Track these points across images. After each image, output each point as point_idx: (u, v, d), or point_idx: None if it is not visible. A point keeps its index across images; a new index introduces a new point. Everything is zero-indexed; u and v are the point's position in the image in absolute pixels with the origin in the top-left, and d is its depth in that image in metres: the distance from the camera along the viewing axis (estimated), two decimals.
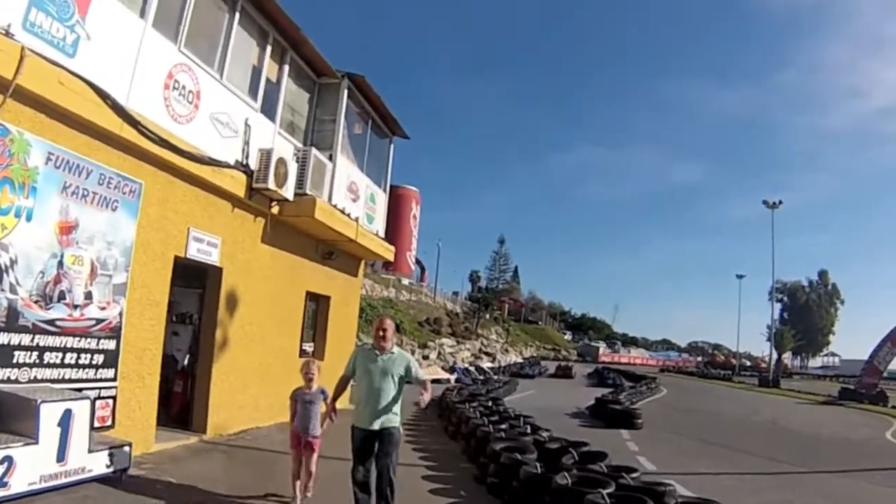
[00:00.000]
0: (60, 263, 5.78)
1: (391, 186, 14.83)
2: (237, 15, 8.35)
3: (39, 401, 5.01)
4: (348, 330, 13.73)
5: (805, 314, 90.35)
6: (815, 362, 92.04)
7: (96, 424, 5.91)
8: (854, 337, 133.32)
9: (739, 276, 69.57)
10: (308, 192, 9.61)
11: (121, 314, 6.55)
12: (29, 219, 5.41)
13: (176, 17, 7.23)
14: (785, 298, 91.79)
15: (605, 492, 5.02)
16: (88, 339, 6.13)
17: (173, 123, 7.23)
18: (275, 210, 9.45)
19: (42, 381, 5.60)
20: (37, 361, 5.56)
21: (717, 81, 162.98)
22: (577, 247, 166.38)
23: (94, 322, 6.18)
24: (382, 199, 13.81)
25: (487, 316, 57.96)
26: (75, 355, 5.98)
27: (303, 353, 11.25)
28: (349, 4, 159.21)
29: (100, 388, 6.24)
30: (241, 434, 8.91)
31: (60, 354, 5.82)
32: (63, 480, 5.16)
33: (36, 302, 5.54)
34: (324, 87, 11.10)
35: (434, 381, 21.15)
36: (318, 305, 12.30)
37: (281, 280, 10.18)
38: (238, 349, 8.97)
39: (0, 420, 4.97)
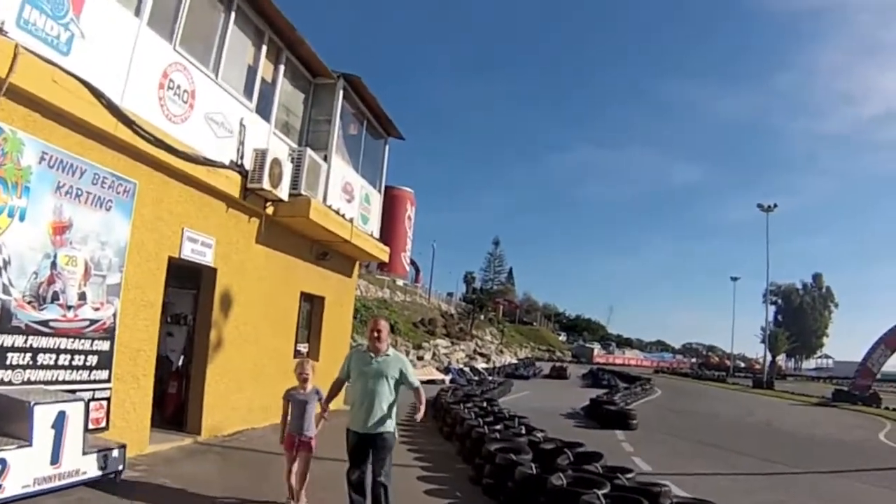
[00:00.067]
0: (54, 264, 5.74)
1: (386, 187, 14.83)
2: (233, 14, 8.31)
3: (33, 403, 4.97)
4: (343, 331, 13.71)
5: (799, 316, 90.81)
6: (809, 364, 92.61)
7: (90, 426, 5.87)
8: (847, 339, 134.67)
9: (734, 279, 69.80)
10: (303, 192, 9.59)
11: (115, 315, 6.51)
12: (22, 219, 5.37)
13: (171, 15, 7.19)
14: (779, 301, 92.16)
15: (600, 492, 5.01)
16: (82, 341, 6.08)
17: (168, 123, 7.19)
18: (269, 210, 9.42)
19: (36, 382, 5.56)
20: (30, 363, 5.52)
21: (716, 84, 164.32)
22: (572, 248, 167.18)
23: (87, 323, 6.13)
24: (377, 199, 13.80)
25: (482, 317, 57.95)
26: (69, 356, 5.93)
27: (297, 353, 11.22)
28: (349, 5, 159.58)
29: (94, 390, 6.20)
30: (235, 435, 8.87)
31: (54, 356, 5.77)
32: (57, 483, 5.12)
33: (29, 303, 5.50)
34: (319, 88, 11.07)
35: (429, 382, 21.29)
36: (312, 306, 12.27)
37: (275, 281, 10.15)
38: (232, 350, 8.94)
39: None
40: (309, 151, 9.91)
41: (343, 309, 13.59)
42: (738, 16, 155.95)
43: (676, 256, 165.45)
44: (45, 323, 5.65)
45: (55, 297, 5.77)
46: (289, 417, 5.64)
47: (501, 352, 51.73)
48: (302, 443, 5.52)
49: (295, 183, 9.47)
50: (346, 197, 11.82)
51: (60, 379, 5.82)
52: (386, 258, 14.72)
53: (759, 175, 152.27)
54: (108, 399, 6.44)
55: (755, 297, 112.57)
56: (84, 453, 5.39)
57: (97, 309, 6.26)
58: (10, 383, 5.31)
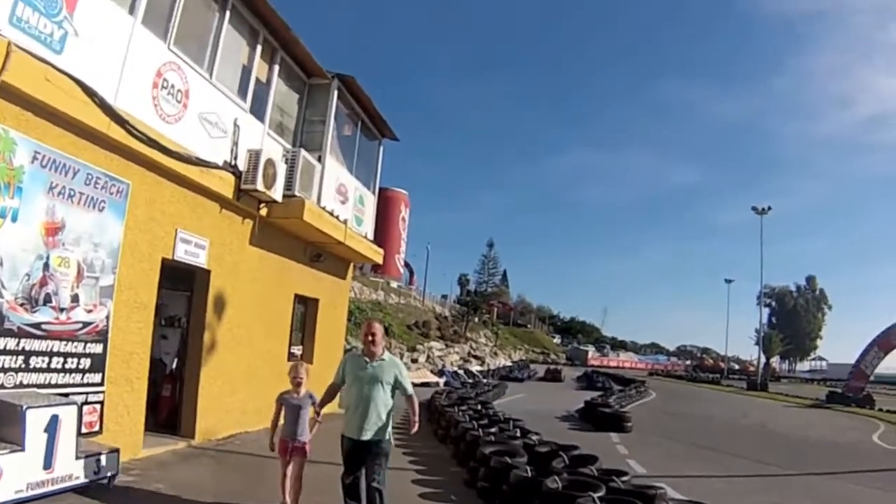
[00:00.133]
0: (46, 265, 5.67)
1: (380, 189, 14.80)
2: (228, 13, 8.27)
3: (25, 406, 4.90)
4: (337, 333, 13.67)
5: (793, 319, 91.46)
6: (803, 366, 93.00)
7: (83, 430, 5.80)
8: (841, 341, 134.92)
9: (728, 281, 70.14)
10: (297, 193, 9.55)
11: (108, 317, 6.45)
12: (14, 219, 5.30)
13: (166, 14, 7.14)
14: (773, 303, 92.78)
15: (595, 495, 4.99)
16: (75, 343, 6.02)
17: (162, 123, 7.14)
18: (263, 212, 9.37)
19: (28, 386, 5.48)
20: (22, 366, 5.45)
21: (713, 85, 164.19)
22: (566, 250, 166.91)
23: (80, 325, 6.07)
24: (371, 201, 13.77)
25: (476, 319, 57.93)
26: (62, 359, 5.86)
27: (291, 356, 11.17)
28: (349, 5, 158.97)
29: (87, 393, 6.13)
30: (229, 439, 8.81)
31: (47, 359, 5.70)
32: (50, 488, 5.06)
33: (21, 305, 5.43)
34: (314, 88, 11.04)
35: (423, 385, 21.26)
36: (306, 308, 12.22)
37: (269, 282, 10.10)
38: (226, 352, 8.88)
39: None
40: (303, 152, 9.88)
41: (337, 311, 13.54)
42: (735, 16, 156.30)
43: (671, 259, 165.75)
44: (37, 325, 5.58)
45: (48, 300, 5.70)
46: (281, 422, 5.55)
47: (496, 354, 51.73)
48: (296, 448, 5.43)
49: (289, 184, 9.44)
50: (340, 198, 11.78)
51: (53, 382, 5.75)
52: (380, 260, 14.69)
53: (753, 178, 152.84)
54: (102, 402, 6.36)
55: (749, 300, 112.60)
56: (77, 458, 5.32)
57: (90, 311, 6.19)
58: (2, 387, 5.24)
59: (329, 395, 5.38)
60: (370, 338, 5.02)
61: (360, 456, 4.91)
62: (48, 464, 5.03)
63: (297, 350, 11.78)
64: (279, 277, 10.48)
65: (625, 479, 6.02)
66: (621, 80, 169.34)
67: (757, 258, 48.99)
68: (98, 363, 6.30)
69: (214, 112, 8.23)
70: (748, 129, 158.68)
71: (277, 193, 9.08)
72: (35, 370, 5.58)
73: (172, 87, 7.32)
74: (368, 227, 13.57)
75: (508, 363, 47.59)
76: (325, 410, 5.51)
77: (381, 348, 5.11)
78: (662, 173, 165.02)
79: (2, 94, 5.11)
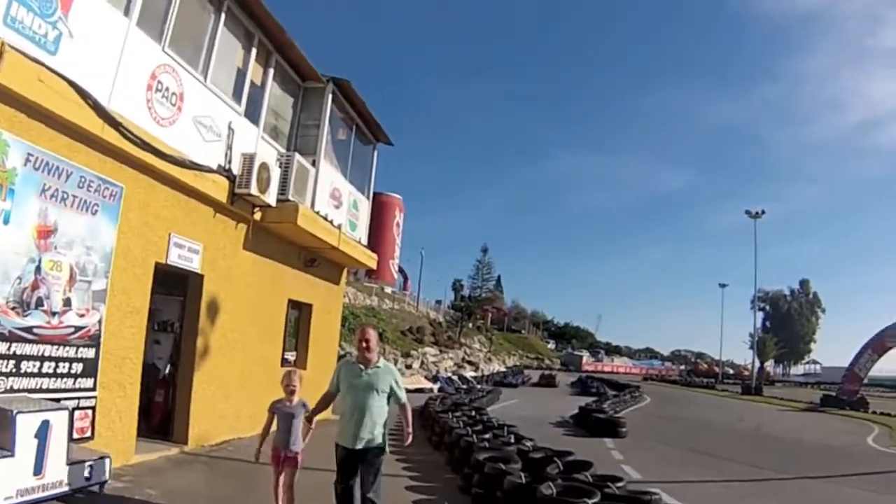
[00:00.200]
0: (38, 269, 5.62)
1: (374, 193, 14.79)
2: (223, 16, 8.24)
3: (16, 412, 4.84)
4: (330, 338, 13.61)
5: (787, 323, 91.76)
6: (797, 370, 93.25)
7: (75, 436, 5.75)
8: (835, 345, 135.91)
9: (722, 286, 70.25)
10: (291, 198, 9.52)
11: (100, 322, 6.38)
12: (6, 222, 5.25)
13: (161, 16, 7.10)
14: (767, 307, 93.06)
15: (590, 501, 4.99)
16: (67, 348, 5.95)
17: (156, 126, 7.10)
18: (257, 216, 9.34)
19: (19, 390, 5.41)
20: (13, 370, 5.38)
21: (708, 89, 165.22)
22: (560, 254, 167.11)
23: (72, 330, 6.01)
24: (365, 206, 13.74)
25: (470, 325, 57.90)
26: (53, 364, 5.80)
27: (284, 361, 11.12)
28: (347, 6, 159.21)
29: (78, 399, 6.06)
30: (222, 445, 8.74)
31: (38, 363, 5.64)
32: (40, 494, 4.99)
33: (13, 309, 5.37)
34: (308, 92, 11.02)
35: (417, 391, 21.19)
36: (300, 313, 12.18)
37: (263, 287, 10.05)
38: (219, 357, 8.82)
39: None
40: (297, 156, 9.85)
41: (331, 316, 13.49)
42: (728, 17, 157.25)
43: (665, 264, 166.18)
44: (28, 329, 5.52)
45: (39, 303, 5.64)
46: (273, 429, 5.44)
47: (490, 360, 51.67)
48: (288, 458, 5.31)
49: (283, 188, 9.40)
50: (334, 203, 11.75)
51: (44, 387, 5.69)
52: (374, 265, 14.67)
53: (746, 182, 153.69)
54: (94, 408, 6.30)
55: (743, 304, 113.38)
56: (68, 464, 5.26)
57: (82, 315, 6.13)
58: None
59: (323, 404, 5.29)
60: (364, 344, 4.94)
61: (355, 465, 4.84)
62: (38, 470, 4.97)
63: (291, 356, 11.72)
64: (273, 282, 10.43)
65: (620, 484, 5.98)
66: (618, 83, 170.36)
67: (751, 262, 49.01)
68: (90, 368, 6.24)
69: (209, 115, 8.20)
70: (741, 133, 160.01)
71: (271, 198, 9.05)
72: (26, 375, 5.51)
73: (167, 89, 7.29)
74: (362, 232, 13.53)
75: (503, 369, 47.56)
76: (318, 416, 5.45)
77: (376, 355, 5.03)
78: (655, 177, 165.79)
79: None
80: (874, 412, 25.94)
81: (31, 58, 5.27)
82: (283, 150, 10.16)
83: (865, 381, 32.14)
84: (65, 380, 5.93)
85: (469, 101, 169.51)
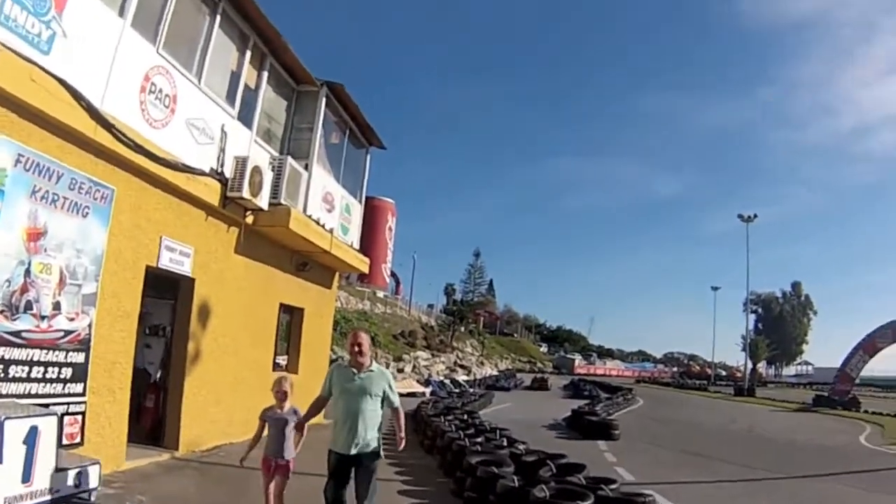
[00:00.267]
0: (28, 272, 5.54)
1: (367, 198, 14.76)
2: (218, 18, 8.19)
3: (4, 417, 4.75)
4: (322, 343, 13.56)
5: (779, 324, 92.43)
6: (790, 371, 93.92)
7: (64, 442, 5.64)
8: (827, 346, 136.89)
9: (714, 288, 70.80)
10: (283, 201, 9.47)
11: (90, 326, 6.31)
12: None
13: (156, 17, 7.05)
14: (759, 309, 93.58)
15: None
16: (56, 352, 5.88)
17: (148, 128, 7.04)
18: (249, 220, 9.29)
19: (7, 396, 5.33)
20: (1, 375, 5.31)
21: (706, 93, 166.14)
22: (553, 258, 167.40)
23: (62, 334, 5.93)
24: (358, 210, 13.72)
25: (462, 329, 57.96)
26: (42, 369, 5.72)
27: (276, 366, 11.06)
28: (347, 6, 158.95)
29: (68, 404, 5.99)
30: (214, 450, 8.67)
31: (26, 368, 5.56)
32: (28, 502, 4.90)
33: (1, 312, 5.30)
34: (302, 95, 10.99)
35: (409, 395, 21.13)
36: (291, 318, 12.12)
37: (254, 291, 10.00)
38: (211, 362, 8.75)
39: None
40: (290, 160, 9.81)
41: (323, 321, 13.44)
42: (725, 22, 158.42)
43: (660, 267, 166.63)
44: (17, 333, 5.44)
45: (28, 307, 5.57)
46: (264, 435, 5.35)
47: (482, 363, 51.69)
48: (279, 466, 5.21)
49: (275, 192, 9.36)
50: (326, 207, 11.72)
51: (33, 392, 5.61)
52: (366, 269, 14.63)
53: (740, 185, 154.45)
54: (83, 413, 6.22)
55: (735, 306, 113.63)
56: (57, 470, 5.17)
57: (72, 319, 6.06)
58: None
59: (315, 409, 5.21)
60: (357, 348, 4.86)
61: (347, 470, 4.76)
62: (27, 477, 4.87)
63: (283, 360, 11.66)
64: (265, 286, 10.37)
65: (613, 486, 5.98)
66: (620, 81, 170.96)
67: (743, 265, 49.48)
68: (80, 373, 6.16)
69: (202, 118, 8.15)
70: (734, 137, 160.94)
71: (264, 201, 9.00)
72: (14, 380, 5.43)
73: (160, 91, 7.24)
74: (355, 237, 13.50)
75: (495, 372, 47.52)
76: (309, 422, 5.40)
77: (369, 358, 4.96)
78: (650, 181, 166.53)
79: None
80: (866, 411, 26.17)
81: (23, 57, 5.21)
82: (275, 154, 10.12)
83: (857, 381, 32.47)
84: (54, 385, 5.85)
85: (469, 101, 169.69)
